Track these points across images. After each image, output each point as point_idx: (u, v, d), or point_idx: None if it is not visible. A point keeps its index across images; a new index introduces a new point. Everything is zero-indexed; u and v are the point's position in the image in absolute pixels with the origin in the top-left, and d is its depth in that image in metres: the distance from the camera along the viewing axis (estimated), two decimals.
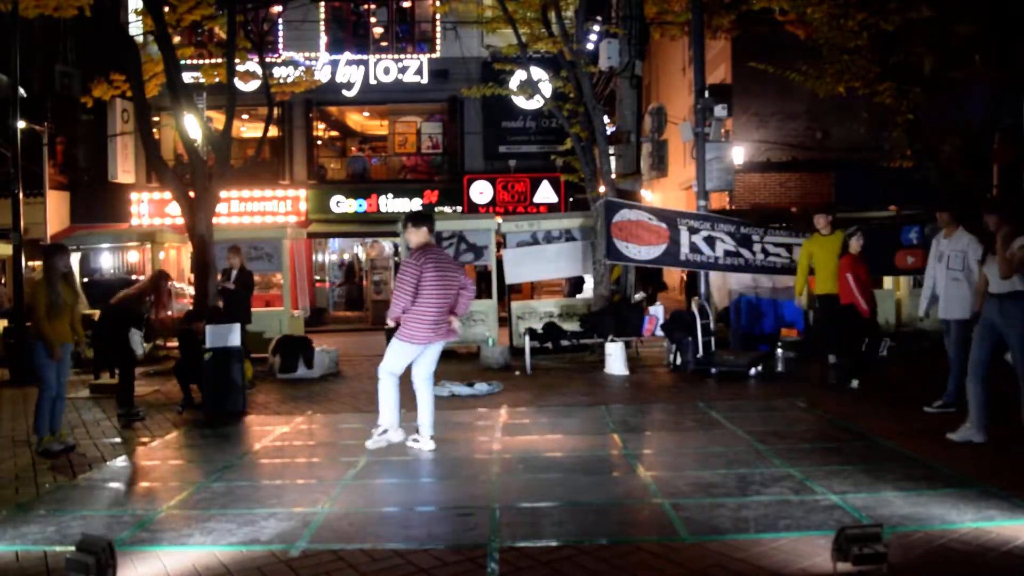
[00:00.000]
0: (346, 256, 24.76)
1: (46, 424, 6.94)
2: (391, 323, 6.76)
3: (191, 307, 11.95)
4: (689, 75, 16.66)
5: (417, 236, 6.53)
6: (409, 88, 22.39)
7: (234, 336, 8.44)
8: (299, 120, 22.74)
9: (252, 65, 16.76)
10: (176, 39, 13.78)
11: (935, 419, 7.02)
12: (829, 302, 8.97)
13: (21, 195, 12.66)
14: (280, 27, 21.30)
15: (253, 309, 14.75)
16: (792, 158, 17.84)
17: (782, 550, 4.05)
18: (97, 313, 9.75)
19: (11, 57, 12.43)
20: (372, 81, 22.20)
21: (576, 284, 16.98)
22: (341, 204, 22.20)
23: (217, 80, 14.58)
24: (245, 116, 22.52)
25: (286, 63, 20.77)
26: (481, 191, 22.20)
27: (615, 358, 10.40)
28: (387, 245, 21.84)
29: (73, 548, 3.83)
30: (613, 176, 12.59)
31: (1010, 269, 5.83)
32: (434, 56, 22.45)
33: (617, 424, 7.30)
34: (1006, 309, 5.98)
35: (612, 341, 10.57)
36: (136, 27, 15.94)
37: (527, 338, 11.02)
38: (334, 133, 26.17)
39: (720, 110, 11.50)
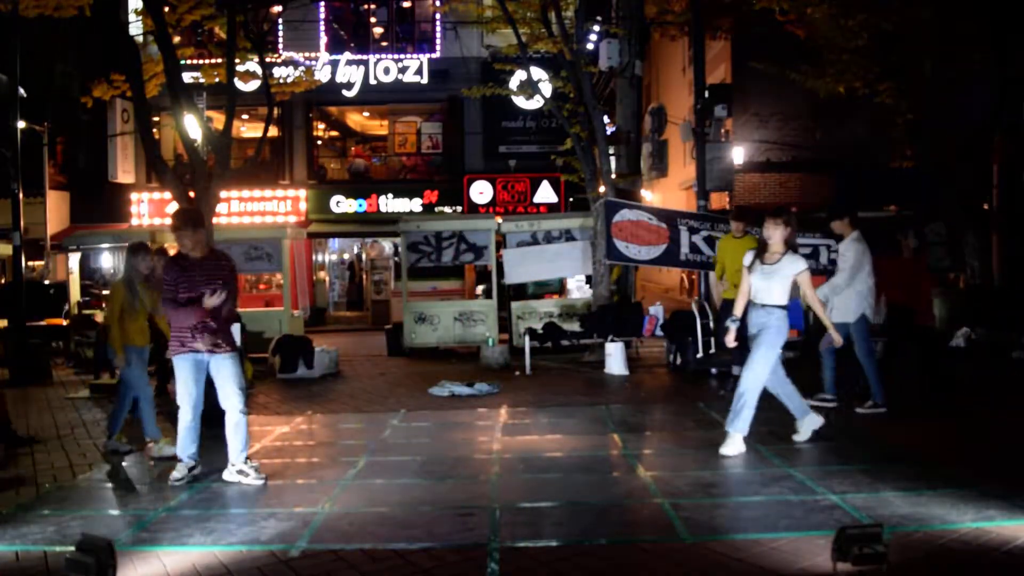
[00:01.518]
0: (346, 256, 24.78)
1: (119, 425, 6.81)
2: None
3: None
4: (689, 75, 16.67)
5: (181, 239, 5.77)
6: (409, 88, 22.39)
7: (234, 336, 8.43)
8: (299, 120, 22.73)
9: (252, 65, 16.75)
10: (176, 39, 13.78)
11: (935, 419, 7.02)
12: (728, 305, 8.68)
13: (21, 195, 12.66)
14: (280, 27, 21.29)
15: (253, 309, 14.74)
16: (792, 158, 17.84)
17: (782, 550, 4.05)
18: (100, 314, 9.73)
19: (11, 57, 12.43)
20: (372, 81, 22.19)
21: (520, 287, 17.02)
22: (341, 204, 22.19)
23: (217, 80, 14.58)
24: (245, 116, 22.51)
25: (286, 63, 20.77)
26: (481, 191, 22.20)
27: (615, 358, 10.40)
28: (387, 245, 21.84)
29: (73, 548, 3.83)
30: (613, 176, 12.59)
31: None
32: (434, 56, 22.44)
33: (617, 424, 7.30)
34: (761, 319, 5.99)
35: (612, 341, 10.57)
36: (136, 27, 15.94)
37: (527, 338, 11.02)
38: (334, 133, 26.16)
39: (720, 110, 11.51)
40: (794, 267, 5.91)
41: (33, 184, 18.25)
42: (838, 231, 7.64)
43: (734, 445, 5.91)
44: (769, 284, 5.95)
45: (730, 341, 6.21)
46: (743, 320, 6.13)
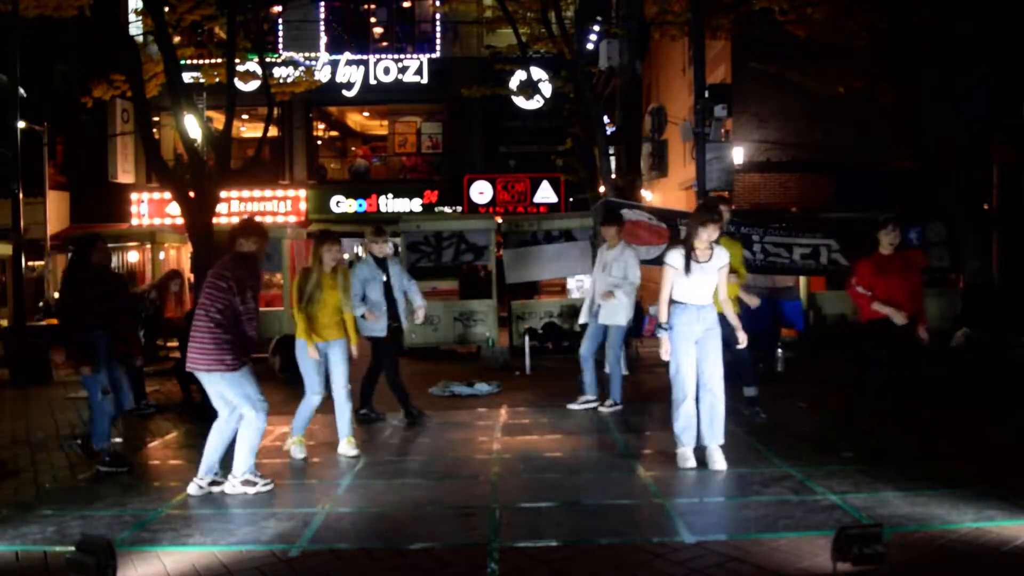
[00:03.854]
0: (346, 256, 24.79)
1: (301, 425, 6.43)
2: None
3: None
4: (689, 75, 16.65)
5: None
6: (409, 88, 22.40)
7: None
8: (299, 120, 22.75)
9: (252, 65, 16.76)
10: (176, 39, 13.79)
11: (934, 420, 7.02)
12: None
13: (21, 195, 12.65)
14: (280, 27, 21.31)
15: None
16: (792, 158, 17.80)
17: (782, 550, 4.05)
18: None
19: (11, 57, 12.43)
20: (372, 81, 22.21)
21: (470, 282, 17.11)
22: (341, 204, 22.21)
23: (217, 80, 14.59)
24: (245, 116, 22.53)
25: (286, 63, 20.79)
26: (481, 191, 22.21)
27: None
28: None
29: (73, 548, 3.83)
30: (613, 176, 12.59)
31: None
32: (434, 56, 22.45)
33: (617, 424, 7.30)
34: (710, 317, 5.63)
35: None
36: (136, 27, 15.95)
37: (527, 338, 11.02)
38: (334, 133, 26.18)
39: (720, 110, 11.51)
40: (722, 259, 5.64)
41: (33, 184, 18.23)
42: (609, 237, 7.68)
43: (721, 460, 5.58)
44: (708, 282, 5.62)
45: (665, 354, 5.69)
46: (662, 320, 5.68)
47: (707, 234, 5.54)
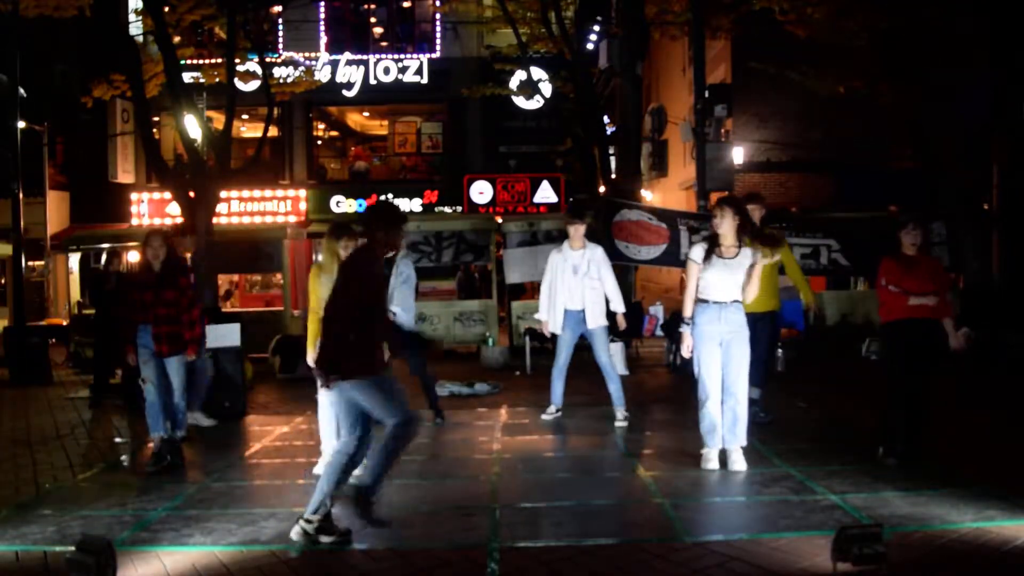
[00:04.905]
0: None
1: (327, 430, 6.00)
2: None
3: None
4: (689, 75, 16.65)
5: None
6: (409, 88, 22.37)
7: (234, 336, 8.43)
8: (299, 120, 22.71)
9: (252, 65, 16.76)
10: (176, 39, 13.79)
11: (934, 420, 7.02)
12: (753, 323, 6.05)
13: (21, 195, 12.65)
14: (280, 27, 21.31)
15: (253, 309, 14.70)
16: (792, 158, 17.81)
17: (782, 550, 4.05)
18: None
19: (11, 57, 12.43)
20: (372, 81, 22.18)
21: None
22: (341, 204, 22.18)
23: (217, 80, 14.59)
24: (245, 116, 22.48)
25: (286, 63, 20.77)
26: (481, 191, 22.18)
27: (615, 358, 10.36)
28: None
29: (73, 548, 3.83)
30: (613, 176, 12.59)
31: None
32: (434, 56, 22.44)
33: (617, 424, 7.30)
34: (732, 318, 5.54)
35: (612, 341, 10.54)
36: (136, 27, 15.95)
37: (527, 338, 11.02)
38: (334, 133, 26.16)
39: (720, 110, 11.53)
40: (753, 257, 5.49)
41: (33, 184, 18.23)
42: (576, 237, 7.23)
43: (741, 461, 5.55)
44: (731, 279, 5.50)
45: (686, 350, 5.63)
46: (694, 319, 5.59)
47: (726, 225, 5.44)
